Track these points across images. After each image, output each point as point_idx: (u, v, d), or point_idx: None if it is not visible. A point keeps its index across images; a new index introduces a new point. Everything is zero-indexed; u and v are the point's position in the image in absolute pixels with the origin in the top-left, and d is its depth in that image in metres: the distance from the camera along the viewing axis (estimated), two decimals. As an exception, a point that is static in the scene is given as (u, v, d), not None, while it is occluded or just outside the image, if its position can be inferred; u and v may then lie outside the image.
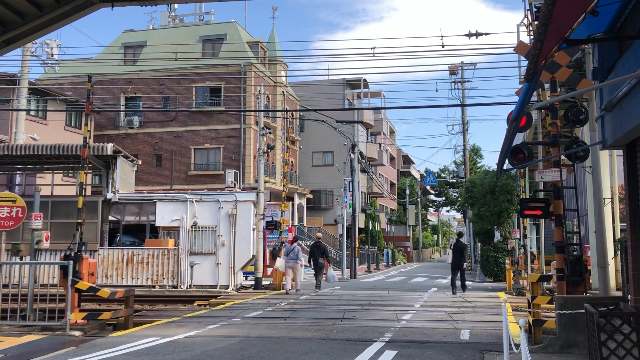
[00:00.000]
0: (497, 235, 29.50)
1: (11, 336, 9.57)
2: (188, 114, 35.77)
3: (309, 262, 19.58)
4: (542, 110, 10.38)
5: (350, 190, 28.91)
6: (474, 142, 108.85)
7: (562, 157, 9.67)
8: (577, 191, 10.20)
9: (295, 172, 42.42)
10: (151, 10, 42.21)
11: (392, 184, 63.30)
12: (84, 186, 11.92)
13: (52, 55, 21.15)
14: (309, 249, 20.20)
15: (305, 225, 41.95)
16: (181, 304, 16.06)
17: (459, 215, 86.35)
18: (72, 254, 10.76)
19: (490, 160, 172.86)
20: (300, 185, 42.97)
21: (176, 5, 40.85)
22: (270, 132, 24.41)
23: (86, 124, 12.48)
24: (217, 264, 17.99)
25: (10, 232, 11.85)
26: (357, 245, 28.51)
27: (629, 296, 7.67)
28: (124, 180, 19.16)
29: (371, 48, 17.10)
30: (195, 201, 18.46)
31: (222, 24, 39.50)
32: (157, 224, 18.73)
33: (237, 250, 18.15)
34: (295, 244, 18.33)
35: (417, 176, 75.54)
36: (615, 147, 8.15)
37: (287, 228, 21.76)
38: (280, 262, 18.19)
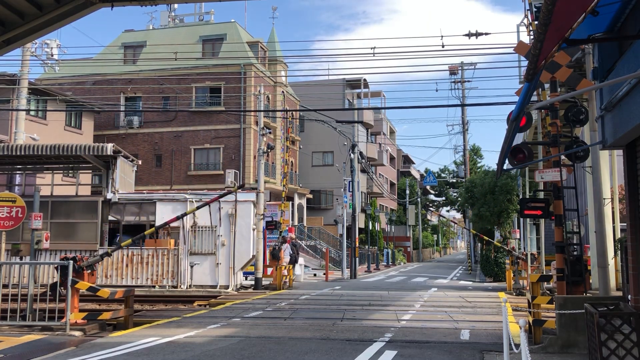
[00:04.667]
0: (497, 235, 29.48)
1: (11, 336, 9.57)
2: (188, 114, 35.76)
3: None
4: (542, 110, 10.39)
5: (350, 190, 28.89)
6: (474, 142, 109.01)
7: (562, 157, 9.67)
8: (577, 191, 10.20)
9: (295, 172, 42.41)
10: (151, 10, 42.23)
11: (392, 184, 63.28)
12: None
13: (52, 55, 21.14)
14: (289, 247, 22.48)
15: (305, 225, 41.94)
16: (181, 304, 16.06)
17: (459, 215, 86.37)
18: (74, 257, 10.74)
19: (490, 160, 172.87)
20: (300, 185, 42.96)
21: (176, 5, 40.84)
22: (270, 132, 24.42)
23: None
24: (217, 264, 17.99)
25: (10, 232, 11.85)
26: (357, 245, 28.49)
27: (629, 296, 7.67)
28: (124, 180, 19.15)
29: (371, 48, 17.12)
30: (195, 201, 18.44)
31: (222, 24, 39.49)
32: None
33: (237, 250, 18.14)
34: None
35: (417, 176, 75.50)
36: (615, 147, 8.15)
37: (287, 228, 21.77)
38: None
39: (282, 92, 38.14)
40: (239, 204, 18.33)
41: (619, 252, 13.00)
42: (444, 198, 70.98)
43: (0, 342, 8.97)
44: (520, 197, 22.95)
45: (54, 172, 19.84)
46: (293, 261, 22.26)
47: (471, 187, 29.18)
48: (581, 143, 9.53)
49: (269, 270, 20.11)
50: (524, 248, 21.96)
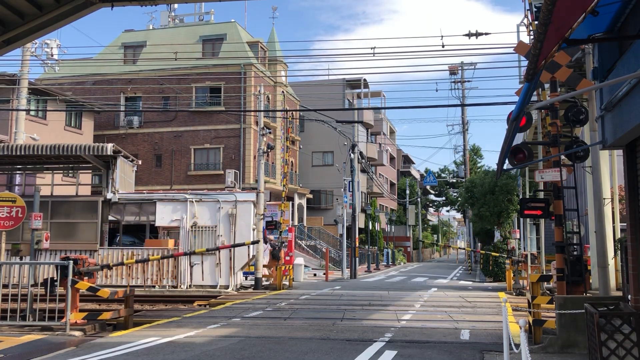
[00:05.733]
0: (497, 235, 29.51)
1: (11, 336, 9.57)
2: (188, 114, 35.76)
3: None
4: (542, 110, 10.39)
5: (350, 190, 28.88)
6: (474, 142, 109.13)
7: (562, 157, 9.67)
8: (577, 191, 10.20)
9: (295, 172, 42.41)
10: (151, 10, 42.22)
11: (392, 184, 63.27)
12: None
13: (52, 55, 21.14)
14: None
15: (305, 225, 41.94)
16: (181, 304, 16.06)
17: (459, 215, 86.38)
18: (75, 260, 10.73)
19: (490, 160, 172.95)
20: (300, 185, 42.97)
21: (176, 5, 40.83)
22: (270, 132, 24.41)
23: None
24: (217, 264, 17.99)
25: (10, 232, 11.85)
26: (357, 245, 28.49)
27: (629, 296, 7.67)
28: (124, 180, 19.15)
29: (371, 48, 17.13)
30: (195, 201, 18.45)
31: (222, 24, 39.49)
32: (157, 224, 18.72)
33: (237, 250, 18.13)
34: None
35: (417, 176, 75.50)
36: (615, 147, 8.15)
37: (287, 228, 21.75)
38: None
39: (282, 92, 38.14)
40: (239, 204, 18.33)
41: (619, 252, 13.00)
42: (444, 198, 71.03)
43: (0, 342, 8.97)
44: (520, 197, 22.95)
45: (54, 172, 19.84)
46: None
47: (471, 187, 29.20)
48: (581, 143, 9.53)
49: (269, 270, 20.11)
50: (524, 248, 21.97)
